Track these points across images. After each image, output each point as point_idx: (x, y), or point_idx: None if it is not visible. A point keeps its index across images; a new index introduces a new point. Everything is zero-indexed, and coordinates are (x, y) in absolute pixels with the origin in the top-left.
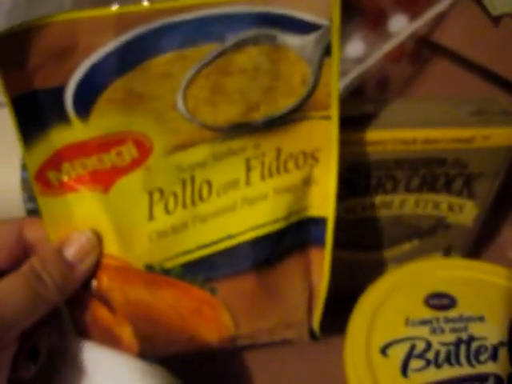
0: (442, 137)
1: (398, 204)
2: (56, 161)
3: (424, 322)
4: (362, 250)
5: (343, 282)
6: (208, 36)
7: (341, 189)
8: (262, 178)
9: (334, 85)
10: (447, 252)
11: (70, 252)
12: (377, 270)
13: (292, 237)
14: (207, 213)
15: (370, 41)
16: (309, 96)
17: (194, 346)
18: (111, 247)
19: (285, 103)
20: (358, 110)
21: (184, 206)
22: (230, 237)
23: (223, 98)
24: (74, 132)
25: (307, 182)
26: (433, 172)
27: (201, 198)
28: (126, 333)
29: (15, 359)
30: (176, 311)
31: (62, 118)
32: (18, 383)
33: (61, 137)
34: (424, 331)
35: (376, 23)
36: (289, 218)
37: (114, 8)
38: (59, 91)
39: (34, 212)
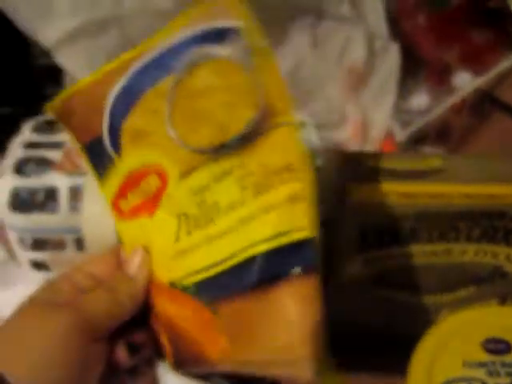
0: (504, 192)
1: (457, 252)
2: (122, 191)
3: (481, 365)
4: (421, 293)
5: (402, 322)
6: (164, 70)
7: (405, 236)
8: (254, 196)
9: (279, 84)
10: (503, 300)
11: (132, 268)
12: (433, 313)
13: (281, 260)
14: (215, 233)
15: (434, 94)
16: (264, 102)
17: (201, 364)
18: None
19: (248, 115)
20: (427, 163)
21: (199, 227)
22: (231, 257)
23: (197, 123)
24: (121, 168)
25: (292, 198)
26: (493, 224)
27: (211, 219)
28: (165, 340)
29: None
30: (192, 328)
31: (110, 158)
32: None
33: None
34: (481, 373)
35: (440, 78)
36: (277, 238)
37: (107, 65)
38: (101, 138)
39: None
